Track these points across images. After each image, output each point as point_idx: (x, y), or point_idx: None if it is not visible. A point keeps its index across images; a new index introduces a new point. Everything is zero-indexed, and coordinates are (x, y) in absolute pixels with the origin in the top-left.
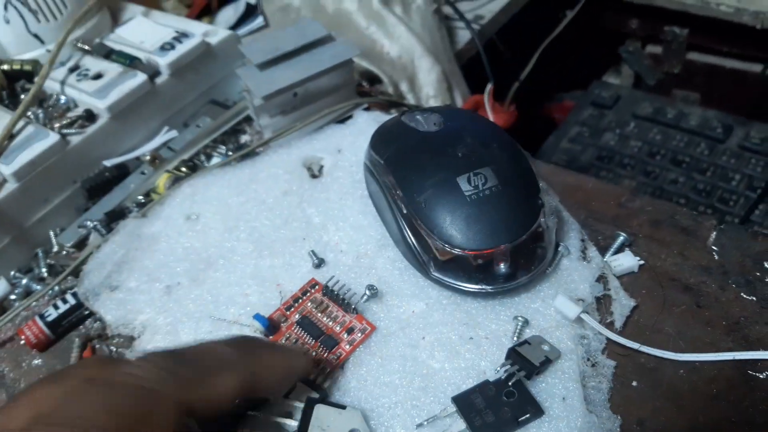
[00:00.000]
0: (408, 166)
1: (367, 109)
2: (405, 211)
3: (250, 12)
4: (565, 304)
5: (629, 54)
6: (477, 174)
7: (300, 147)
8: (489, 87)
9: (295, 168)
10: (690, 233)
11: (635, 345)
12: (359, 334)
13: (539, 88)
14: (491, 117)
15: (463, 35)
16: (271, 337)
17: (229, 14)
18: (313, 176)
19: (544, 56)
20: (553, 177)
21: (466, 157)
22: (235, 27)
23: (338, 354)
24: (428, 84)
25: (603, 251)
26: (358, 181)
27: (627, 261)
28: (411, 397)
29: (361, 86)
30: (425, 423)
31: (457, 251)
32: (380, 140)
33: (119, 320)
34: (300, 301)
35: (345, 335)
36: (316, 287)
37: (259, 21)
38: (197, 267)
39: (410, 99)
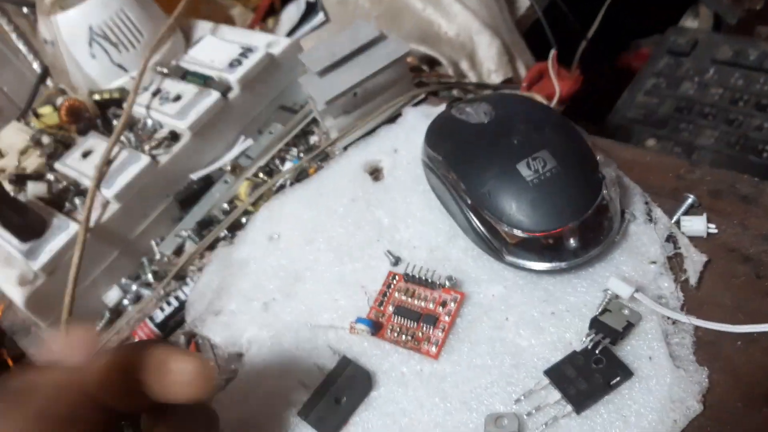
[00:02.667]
0: (467, 160)
1: (421, 101)
2: (470, 203)
3: (311, 9)
4: (618, 286)
5: None
6: (535, 158)
7: (358, 153)
8: (552, 53)
9: (357, 174)
10: (751, 201)
11: (689, 320)
12: (452, 304)
13: (613, 39)
14: (556, 84)
15: (524, 1)
16: (376, 334)
17: (292, 12)
18: (376, 179)
19: (615, 5)
20: (609, 153)
21: (521, 143)
22: (298, 25)
23: (442, 327)
24: (488, 59)
25: (668, 216)
26: (418, 177)
27: (698, 224)
28: (505, 375)
29: (421, 70)
30: (522, 398)
31: (526, 235)
32: (435, 137)
33: (227, 340)
34: (387, 294)
35: (441, 309)
36: (396, 278)
37: (320, 17)
38: (287, 282)
39: (471, 77)
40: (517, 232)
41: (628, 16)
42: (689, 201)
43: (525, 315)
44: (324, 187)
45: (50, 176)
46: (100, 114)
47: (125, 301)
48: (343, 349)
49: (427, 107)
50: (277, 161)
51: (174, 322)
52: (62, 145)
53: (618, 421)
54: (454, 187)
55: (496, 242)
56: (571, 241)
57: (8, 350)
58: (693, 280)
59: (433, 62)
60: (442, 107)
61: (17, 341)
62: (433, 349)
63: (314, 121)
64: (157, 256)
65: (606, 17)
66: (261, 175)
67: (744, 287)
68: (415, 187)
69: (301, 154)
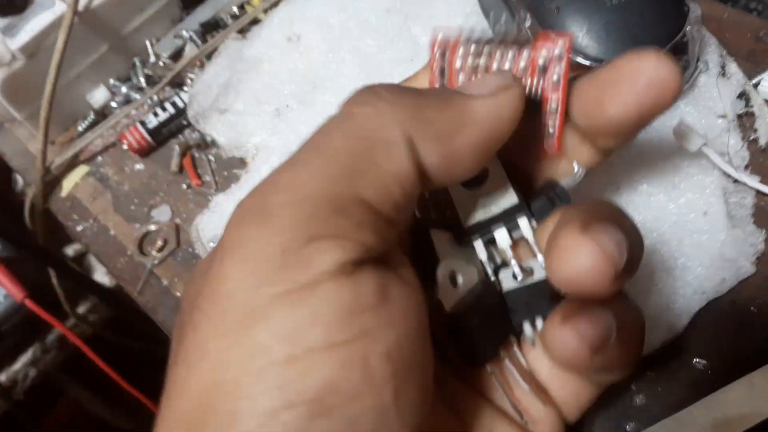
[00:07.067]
0: None
1: None
2: (531, 23)
3: None
4: (686, 133)
5: None
6: None
7: None
8: None
9: None
10: None
11: (752, 181)
12: (557, 61)
13: None
14: None
15: None
16: None
17: None
18: None
19: None
20: None
21: None
22: None
23: (554, 108)
24: None
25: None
26: None
27: None
28: None
29: None
30: None
31: (590, 63)
32: None
33: (232, 142)
34: None
35: (536, 80)
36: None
37: None
38: (304, 89)
39: None
40: (580, 59)
41: None
42: None
43: None
44: None
45: None
46: None
47: (113, 104)
48: None
49: None
50: None
51: (168, 130)
52: None
53: (661, 272)
54: (515, 1)
55: None
56: None
57: None
58: (763, 141)
59: None
60: None
61: None
62: None
63: None
64: (152, 59)
65: None
66: None
67: None
68: (462, 7)
69: None
